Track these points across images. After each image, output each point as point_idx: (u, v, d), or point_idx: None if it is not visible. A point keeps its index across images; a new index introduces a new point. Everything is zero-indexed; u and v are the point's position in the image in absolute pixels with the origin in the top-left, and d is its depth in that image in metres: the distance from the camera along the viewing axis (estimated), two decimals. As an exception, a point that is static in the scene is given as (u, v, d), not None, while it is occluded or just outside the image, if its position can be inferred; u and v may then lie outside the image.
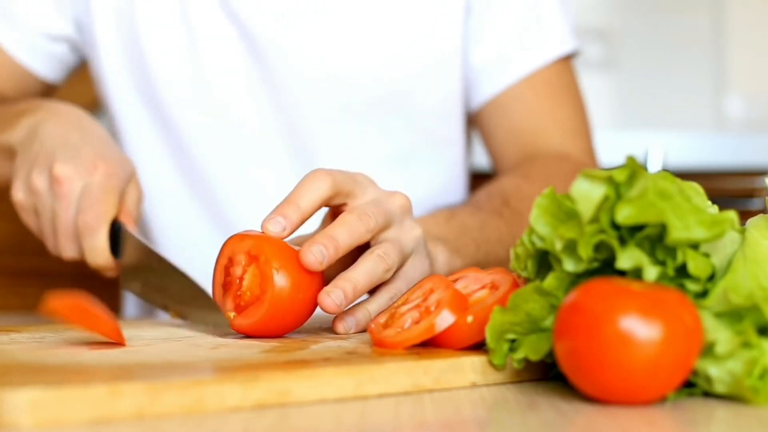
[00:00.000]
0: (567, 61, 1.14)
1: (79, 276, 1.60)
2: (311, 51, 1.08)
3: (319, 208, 0.73)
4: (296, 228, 0.71)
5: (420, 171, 1.12)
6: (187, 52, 1.08)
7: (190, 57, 1.08)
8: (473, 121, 1.16)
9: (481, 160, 1.38)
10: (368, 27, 1.09)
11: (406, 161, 1.11)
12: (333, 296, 0.69)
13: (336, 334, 0.72)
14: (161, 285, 0.81)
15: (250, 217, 1.09)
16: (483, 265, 0.88)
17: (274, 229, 0.70)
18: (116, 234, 0.87)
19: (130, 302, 1.23)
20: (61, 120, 0.93)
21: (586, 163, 1.12)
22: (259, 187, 1.10)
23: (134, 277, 0.86)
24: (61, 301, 0.65)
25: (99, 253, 0.87)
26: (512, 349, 0.61)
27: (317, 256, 0.69)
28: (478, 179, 1.19)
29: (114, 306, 1.49)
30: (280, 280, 0.68)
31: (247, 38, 1.08)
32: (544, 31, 1.11)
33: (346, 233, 0.71)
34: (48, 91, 1.17)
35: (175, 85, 1.09)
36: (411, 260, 0.77)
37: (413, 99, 1.10)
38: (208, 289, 0.75)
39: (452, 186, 1.16)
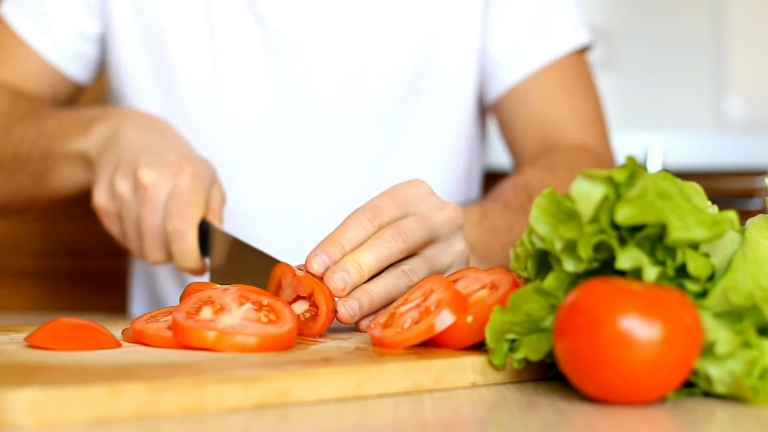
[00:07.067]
0: (581, 53, 1.16)
1: (80, 276, 1.60)
2: (327, 42, 1.09)
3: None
4: None
5: (431, 165, 1.13)
6: (206, 42, 1.09)
7: (208, 46, 1.09)
8: (492, 114, 1.17)
9: (497, 158, 1.38)
10: (384, 17, 1.10)
11: (418, 155, 1.12)
12: (347, 306, 0.70)
13: (359, 332, 0.73)
14: (254, 275, 0.81)
15: (258, 213, 1.09)
16: (507, 266, 0.89)
17: (319, 268, 0.71)
18: (204, 234, 0.87)
19: (138, 302, 1.23)
20: (139, 124, 0.93)
21: (604, 153, 1.13)
22: (271, 182, 1.10)
23: (226, 273, 0.86)
24: (42, 333, 0.64)
25: (189, 255, 0.87)
26: (512, 349, 0.61)
27: (339, 284, 0.70)
28: (492, 178, 1.19)
29: (120, 306, 1.49)
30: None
31: (263, 27, 1.08)
32: (558, 24, 1.13)
33: (373, 257, 0.71)
34: (78, 93, 1.17)
35: (193, 75, 1.09)
36: None
37: (427, 90, 1.12)
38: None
39: (463, 182, 1.16)
